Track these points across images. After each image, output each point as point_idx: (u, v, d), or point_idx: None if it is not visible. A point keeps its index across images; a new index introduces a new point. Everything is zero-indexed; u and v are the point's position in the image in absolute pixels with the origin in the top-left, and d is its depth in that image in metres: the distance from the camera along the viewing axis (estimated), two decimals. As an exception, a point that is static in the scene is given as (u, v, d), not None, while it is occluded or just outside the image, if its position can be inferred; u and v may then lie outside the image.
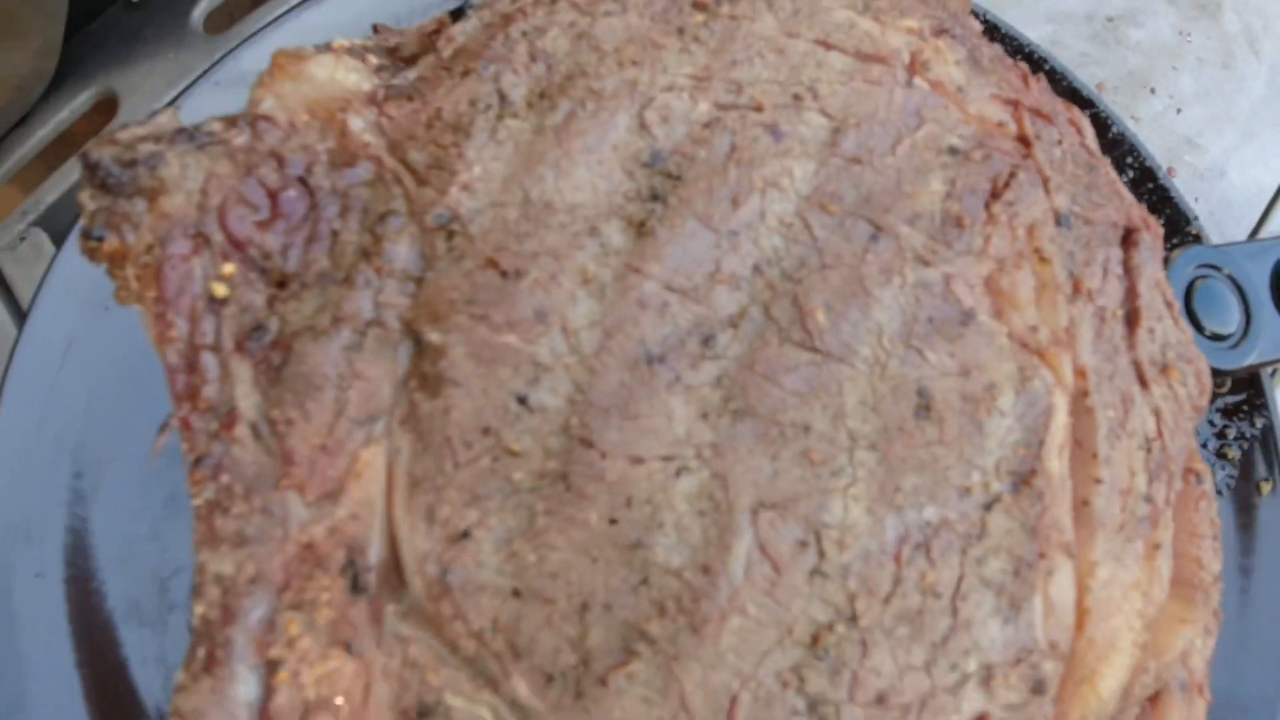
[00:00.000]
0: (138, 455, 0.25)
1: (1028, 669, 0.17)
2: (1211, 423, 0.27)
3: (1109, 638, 0.17)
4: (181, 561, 0.25)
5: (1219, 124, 0.32)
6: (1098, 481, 0.18)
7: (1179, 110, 0.32)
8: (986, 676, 0.16)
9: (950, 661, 0.16)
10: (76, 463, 0.25)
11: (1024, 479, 0.17)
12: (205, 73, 0.26)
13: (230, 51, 0.26)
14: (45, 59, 0.31)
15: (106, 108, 0.32)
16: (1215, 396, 0.27)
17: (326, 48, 0.21)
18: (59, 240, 0.31)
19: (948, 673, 0.16)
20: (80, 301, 0.26)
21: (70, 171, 0.31)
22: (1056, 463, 0.17)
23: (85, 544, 0.25)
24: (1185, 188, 0.31)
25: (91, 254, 0.18)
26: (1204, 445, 0.26)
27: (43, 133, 0.31)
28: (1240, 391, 0.26)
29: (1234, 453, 0.26)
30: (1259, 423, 0.26)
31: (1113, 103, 0.30)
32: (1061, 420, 0.18)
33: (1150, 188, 0.27)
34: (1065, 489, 0.17)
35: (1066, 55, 0.32)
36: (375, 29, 0.24)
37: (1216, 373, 0.23)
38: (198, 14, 0.32)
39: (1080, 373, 0.18)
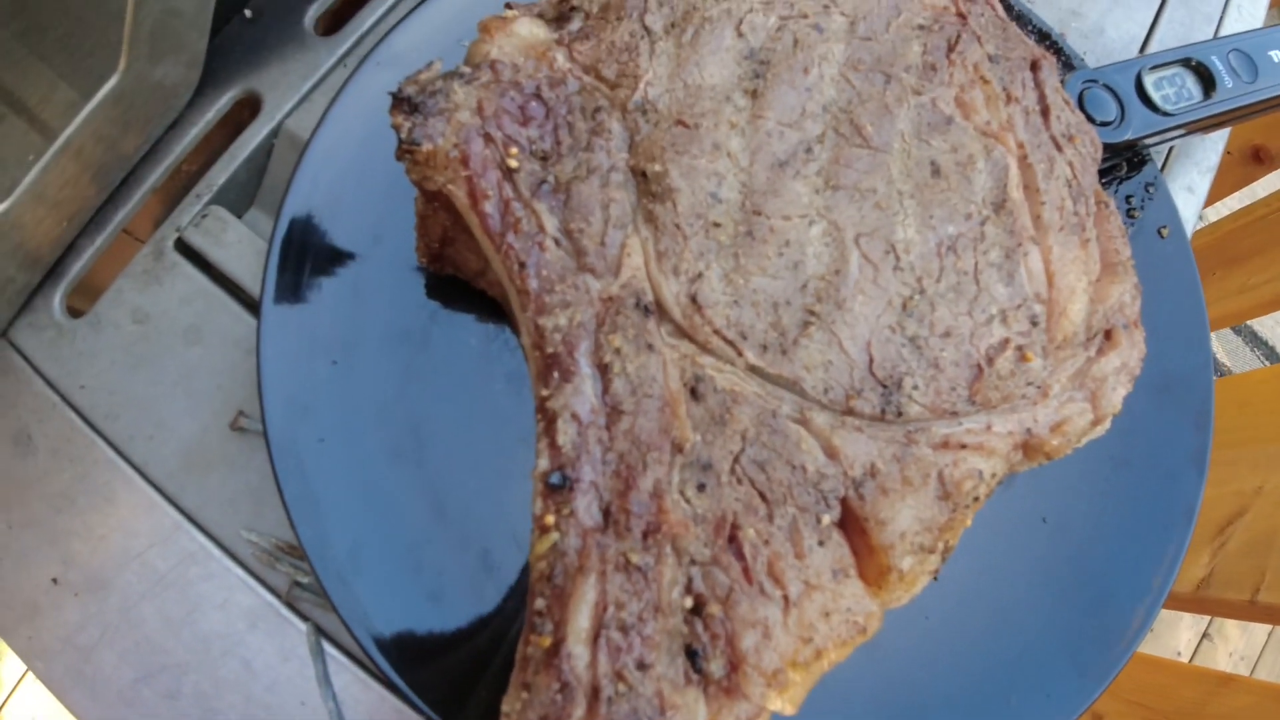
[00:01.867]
0: (374, 341, 0.39)
1: (1026, 309, 0.34)
2: (1125, 198, 0.45)
3: (1069, 287, 0.35)
4: (425, 413, 0.39)
5: (1093, -3, 0.52)
6: (1043, 203, 0.35)
7: (1062, -9, 0.51)
8: (1003, 317, 0.33)
9: (981, 308, 0.33)
10: (330, 354, 0.39)
11: (1000, 204, 0.34)
12: (368, 55, 0.41)
13: (383, 39, 0.41)
14: (193, 69, 0.44)
15: (247, 106, 0.46)
16: (1119, 180, 0.45)
17: (504, 17, 0.36)
18: (235, 210, 0.45)
19: (981, 315, 0.33)
20: (307, 241, 0.39)
21: (233, 159, 0.44)
22: (1016, 193, 0.35)
23: (351, 412, 0.38)
24: (1076, 45, 0.50)
25: (410, 157, 0.32)
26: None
27: (195, 131, 0.45)
28: (1134, 173, 0.45)
29: (1139, 213, 0.45)
30: (1151, 190, 0.45)
31: (1013, -10, 0.49)
32: (1014, 170, 0.35)
33: (1048, 44, 0.45)
34: (1024, 208, 0.35)
35: (976, -38, 0.50)
36: (508, 4, 0.39)
37: (1108, 145, 0.41)
38: (308, 20, 0.46)
39: (1019, 145, 0.36)
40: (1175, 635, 1.13)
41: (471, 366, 0.39)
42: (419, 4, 0.42)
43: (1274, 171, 0.83)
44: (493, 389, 0.39)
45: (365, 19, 0.46)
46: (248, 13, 0.46)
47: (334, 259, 0.40)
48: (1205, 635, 1.15)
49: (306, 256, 0.39)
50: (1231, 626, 1.16)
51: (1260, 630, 1.18)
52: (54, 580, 0.42)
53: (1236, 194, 0.92)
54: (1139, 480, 0.41)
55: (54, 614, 0.42)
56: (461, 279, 0.39)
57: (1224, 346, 1.32)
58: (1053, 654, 0.39)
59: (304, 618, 0.40)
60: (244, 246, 0.43)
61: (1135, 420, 0.41)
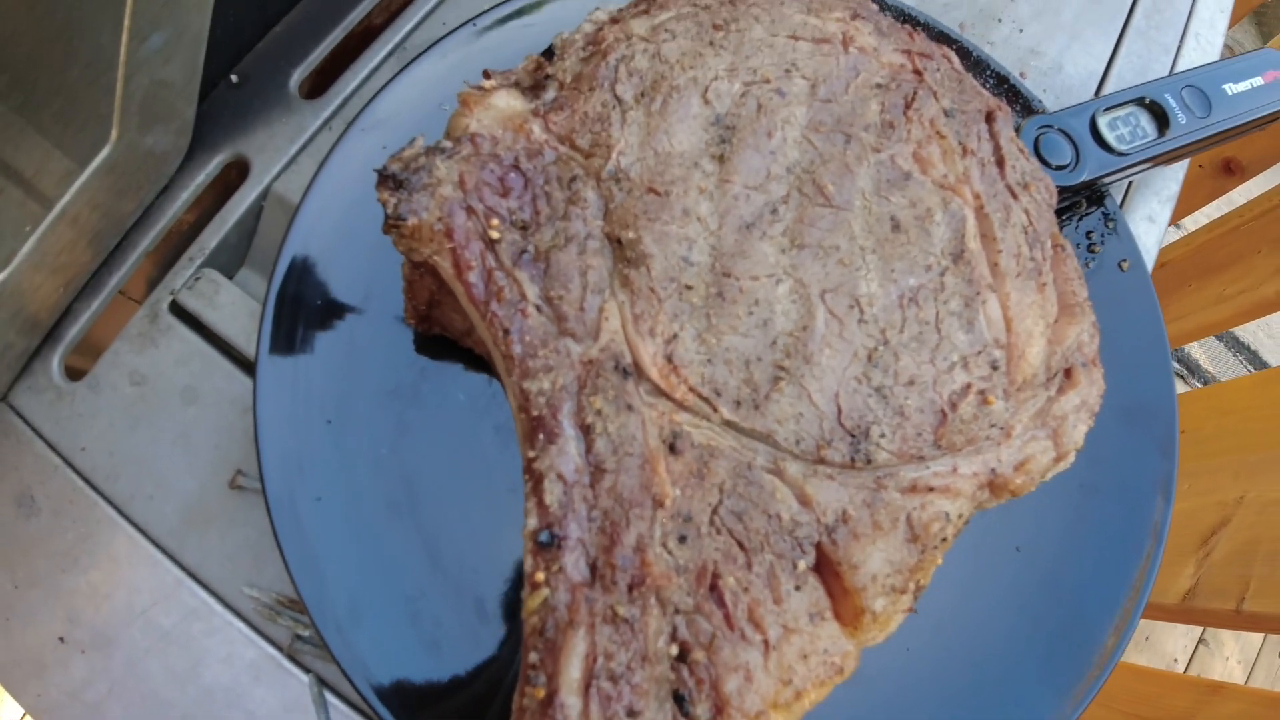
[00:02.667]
0: (367, 399, 0.41)
1: (986, 355, 0.36)
2: (1085, 234, 0.48)
3: (1027, 331, 0.37)
4: (418, 467, 0.41)
5: (1051, 33, 0.54)
6: (999, 252, 0.38)
7: (1021, 30, 0.54)
8: (965, 363, 0.36)
9: (943, 356, 0.35)
10: (324, 413, 0.41)
11: (958, 255, 0.37)
12: (354, 121, 0.43)
13: (367, 105, 0.43)
14: (182, 136, 0.47)
15: (235, 169, 0.48)
16: (1080, 216, 0.48)
17: (482, 87, 0.38)
18: (226, 271, 0.47)
19: (943, 363, 0.35)
20: (300, 304, 0.41)
21: (224, 222, 0.47)
22: (974, 243, 0.37)
23: (346, 469, 0.40)
24: (1036, 84, 0.53)
25: (396, 231, 0.35)
26: (1078, 245, 0.47)
27: (185, 195, 0.47)
28: (1094, 208, 0.47)
29: (1100, 248, 0.47)
30: (1111, 225, 0.47)
31: (971, 35, 0.52)
32: (971, 221, 0.37)
33: (1006, 87, 0.48)
34: (982, 257, 0.37)
35: (932, 7, 0.53)
36: (486, 74, 0.41)
37: (1064, 189, 0.44)
38: (293, 84, 0.49)
39: (976, 196, 0.38)
40: (1172, 641, 1.16)
41: (461, 420, 0.41)
42: (400, 70, 0.44)
43: (1245, 182, 0.86)
44: (482, 441, 0.41)
45: (349, 81, 0.49)
46: (234, 78, 0.48)
47: (326, 320, 0.42)
48: (1201, 640, 1.17)
49: (299, 317, 0.41)
50: (1226, 631, 1.19)
51: (1255, 634, 1.20)
52: (60, 638, 0.44)
53: (1212, 203, 0.95)
54: (1108, 506, 0.43)
55: (61, 671, 0.44)
56: (449, 338, 0.41)
57: (1206, 353, 1.35)
58: (1030, 679, 0.41)
59: (306, 669, 0.42)
60: (236, 308, 0.45)
61: (1103, 449, 0.44)
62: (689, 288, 0.34)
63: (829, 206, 0.36)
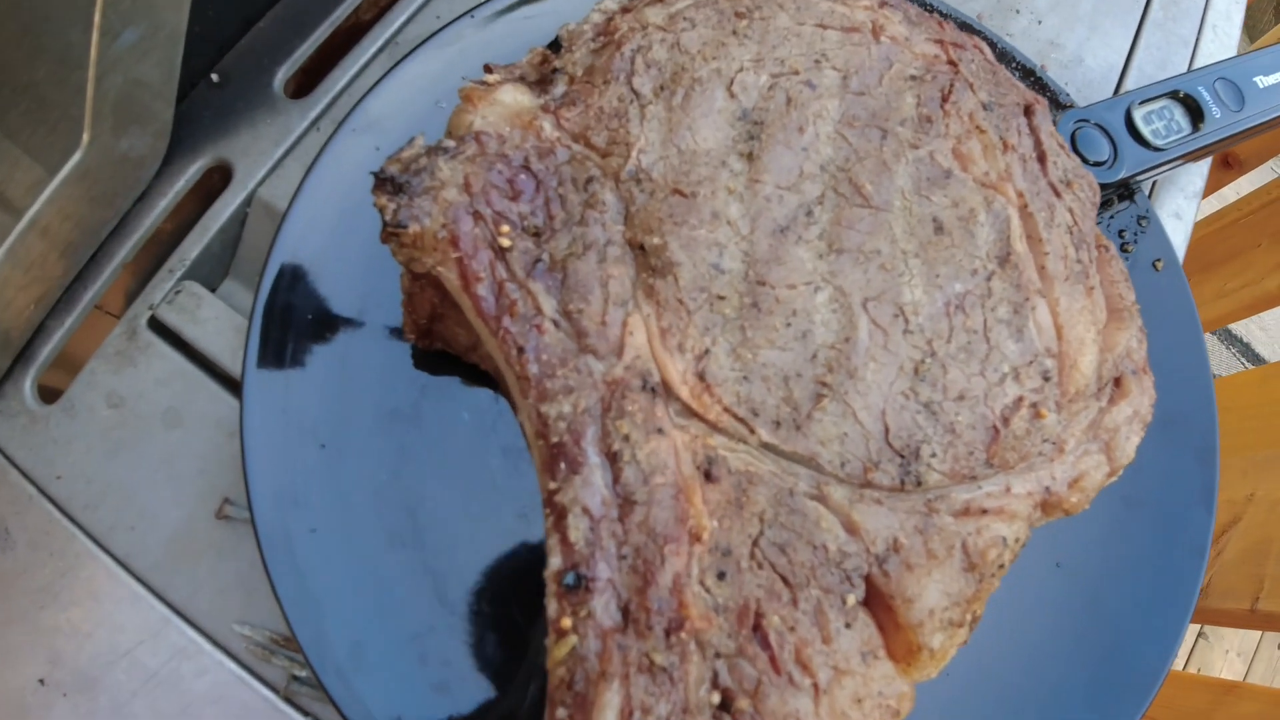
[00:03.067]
0: (364, 422, 0.37)
1: (1038, 365, 0.33)
2: (1118, 233, 0.45)
3: (1079, 339, 0.34)
4: (422, 493, 0.37)
5: (1070, 24, 0.51)
6: (1046, 254, 0.34)
7: (1040, 22, 0.51)
8: (1016, 374, 0.32)
9: (993, 367, 0.32)
10: (318, 438, 0.37)
11: (1004, 258, 0.33)
12: (344, 121, 0.39)
13: (358, 104, 0.39)
14: (160, 139, 0.42)
15: (218, 174, 0.44)
16: (1112, 214, 0.45)
17: (487, 82, 0.35)
18: (209, 283, 0.43)
19: (994, 374, 0.32)
20: (288, 320, 0.38)
21: (205, 231, 0.42)
22: (1020, 245, 0.34)
23: (342, 498, 0.36)
24: (1057, 76, 0.50)
25: (396, 239, 0.31)
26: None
27: (164, 203, 0.43)
28: (1124, 203, 0.44)
29: (1132, 247, 0.44)
30: (1144, 224, 0.44)
31: (990, 26, 0.48)
32: (1016, 221, 0.34)
33: (1031, 81, 0.45)
34: (1029, 260, 0.34)
35: (954, -1, 0.50)
36: (488, 68, 0.38)
37: (1104, 186, 0.41)
38: (277, 83, 0.45)
39: (1019, 194, 0.35)
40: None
41: (466, 442, 0.38)
42: (393, 66, 0.40)
43: (1243, 175, 0.83)
44: (489, 464, 0.37)
45: (337, 79, 0.45)
46: (214, 77, 0.44)
47: (317, 336, 0.38)
48: (1201, 634, 1.16)
49: (288, 335, 0.37)
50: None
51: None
52: (41, 681, 0.40)
53: (1210, 197, 0.93)
54: (1149, 521, 0.41)
55: (43, 715, 0.40)
56: (452, 353, 0.38)
57: (1202, 347, 1.34)
58: (1075, 703, 0.38)
59: (304, 712, 0.38)
60: (220, 322, 0.41)
61: (1143, 458, 0.41)
62: (721, 298, 0.30)
63: (868, 207, 0.33)
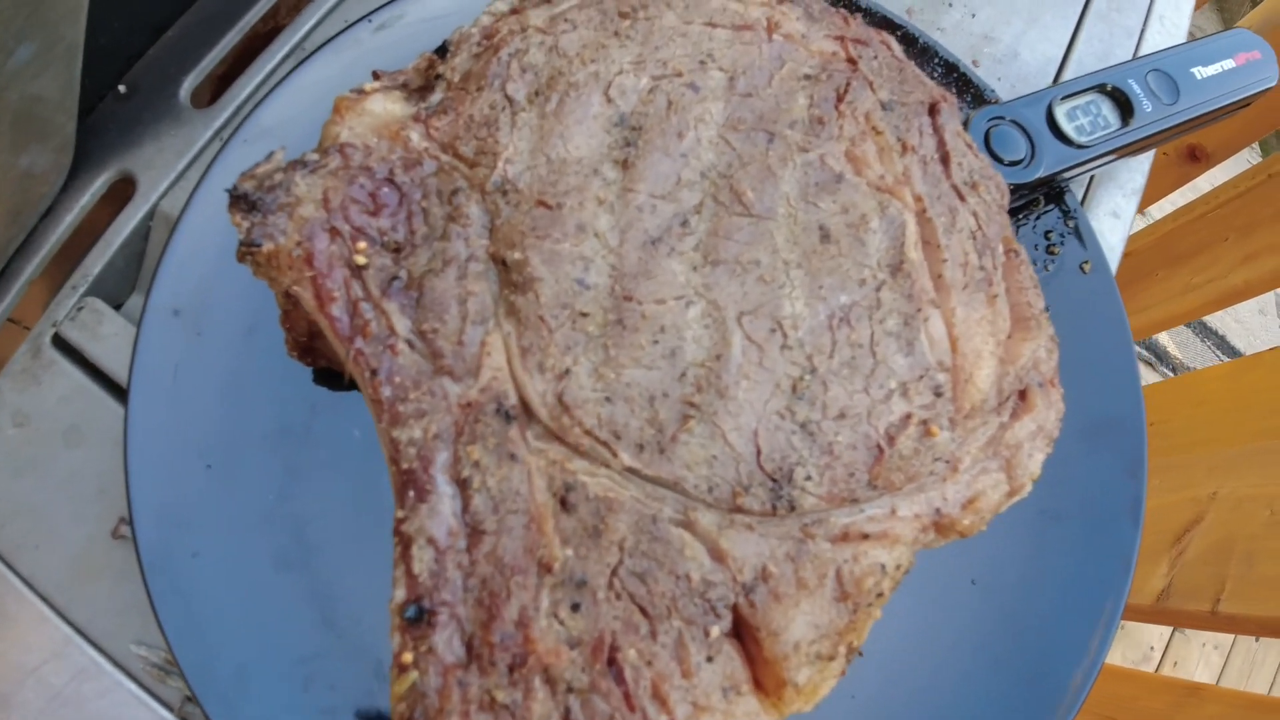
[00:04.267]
0: (252, 440, 0.35)
1: (929, 380, 0.30)
2: (1044, 234, 0.42)
3: (975, 352, 0.31)
4: (310, 514, 0.35)
5: (1006, 17, 0.48)
6: (944, 261, 0.32)
7: (973, 15, 0.48)
8: (904, 390, 0.30)
9: (879, 384, 0.29)
10: (204, 457, 0.35)
11: (897, 267, 0.31)
12: (235, 132, 0.37)
13: (251, 114, 0.37)
14: (63, 154, 0.41)
15: (122, 188, 0.42)
16: (1038, 215, 0.42)
17: (362, 91, 0.32)
18: (115, 299, 0.41)
19: (879, 391, 0.29)
20: (175, 335, 0.36)
21: (108, 245, 0.41)
22: (915, 253, 0.31)
23: (228, 519, 0.35)
24: (990, 72, 0.47)
25: (250, 258, 0.29)
26: (1035, 247, 0.41)
27: (69, 218, 0.41)
28: (1052, 206, 0.41)
29: (1059, 249, 0.41)
30: (1071, 223, 0.41)
31: (920, 21, 0.45)
32: (912, 227, 0.31)
33: (956, 76, 0.42)
34: (923, 268, 0.31)
35: (881, -7, 0.47)
36: (376, 74, 0.35)
37: (1018, 187, 0.38)
38: (183, 93, 0.43)
39: (918, 199, 0.32)
40: (1148, 628, 1.10)
41: (357, 461, 0.36)
42: (289, 73, 0.38)
43: (1211, 169, 0.79)
44: (381, 484, 0.35)
45: (243, 87, 0.42)
46: (122, 88, 0.42)
47: (205, 353, 0.36)
48: (1177, 628, 1.12)
49: (176, 349, 0.35)
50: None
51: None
52: (-52, 699, 0.39)
53: (1178, 191, 0.89)
54: (1072, 534, 0.38)
55: (-48, 733, 0.38)
56: (337, 370, 0.35)
57: (1174, 339, 1.29)
58: (990, 726, 0.35)
59: (200, 733, 0.37)
60: (121, 339, 0.39)
61: (1065, 470, 0.38)
62: (584, 315, 0.28)
63: (748, 215, 0.30)
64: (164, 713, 0.37)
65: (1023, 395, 0.32)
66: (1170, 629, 1.10)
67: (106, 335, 0.40)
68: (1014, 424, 0.31)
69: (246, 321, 0.36)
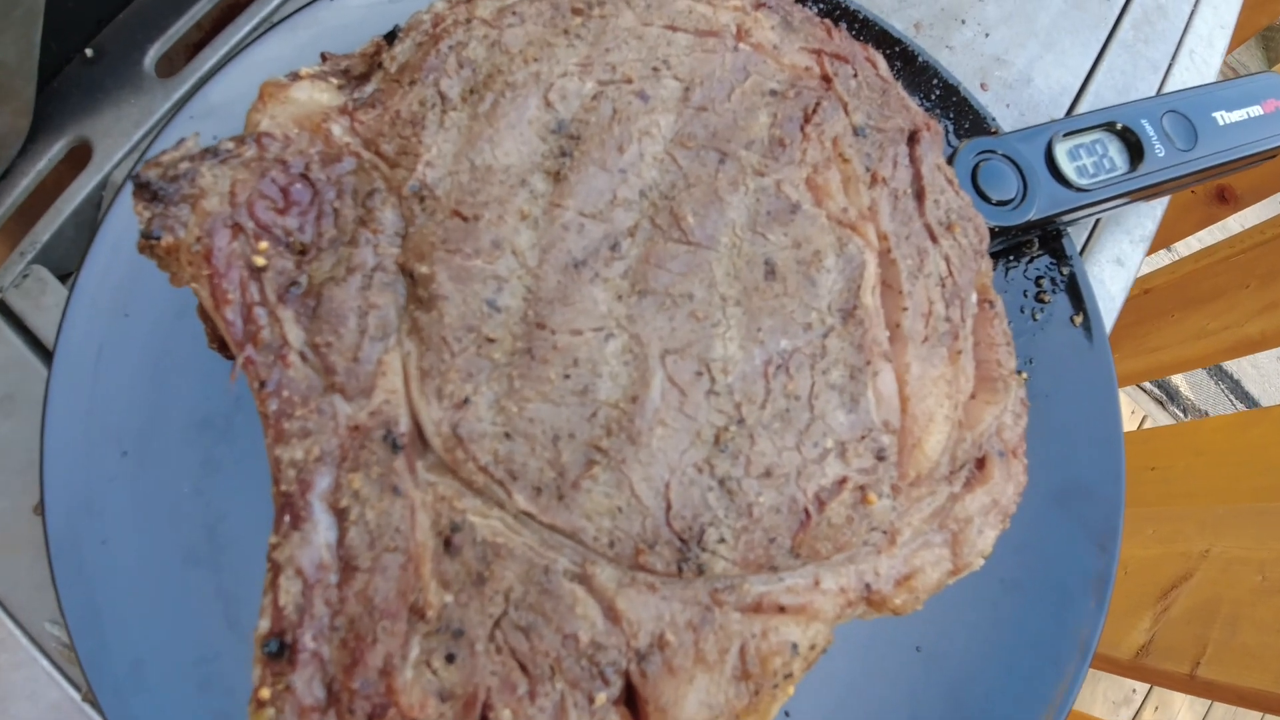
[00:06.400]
0: (172, 429, 0.33)
1: (871, 442, 0.26)
2: (1034, 280, 0.37)
3: (927, 414, 0.27)
4: (224, 510, 0.33)
5: (1022, 40, 0.43)
6: (904, 309, 0.28)
7: (987, 35, 0.43)
8: (841, 450, 0.26)
9: (813, 442, 0.26)
10: (121, 443, 0.32)
11: (849, 312, 0.27)
12: (181, 108, 0.34)
13: (199, 89, 0.34)
14: (22, 117, 0.38)
15: (80, 154, 0.39)
16: (1030, 259, 0.37)
17: (296, 76, 0.29)
18: (58, 273, 0.39)
19: (812, 450, 0.26)
20: (103, 313, 0.33)
21: (59, 213, 0.38)
22: (870, 298, 0.27)
23: (140, 509, 0.32)
24: (998, 97, 0.42)
25: (150, 251, 0.26)
26: (1024, 294, 0.36)
27: (25, 182, 0.39)
28: (1045, 250, 0.37)
29: (1049, 297, 0.36)
30: (1065, 271, 0.37)
31: (929, 37, 0.41)
32: (871, 269, 0.27)
33: (955, 100, 0.37)
34: (879, 316, 0.27)
35: (884, 3, 0.42)
36: (323, 56, 0.32)
37: (1005, 230, 0.33)
38: (149, 61, 0.40)
39: (883, 236, 0.28)
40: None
41: (275, 461, 0.33)
42: (242, 49, 0.35)
43: (1240, 211, 0.73)
44: (298, 487, 0.33)
45: (207, 58, 0.39)
46: (89, 52, 0.40)
47: (131, 334, 0.33)
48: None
49: (100, 330, 0.33)
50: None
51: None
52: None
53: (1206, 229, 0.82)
54: (1028, 606, 0.34)
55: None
56: (259, 367, 0.32)
57: (1187, 379, 1.21)
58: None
59: (105, 718, 0.35)
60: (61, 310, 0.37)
61: (1031, 536, 0.34)
62: (491, 340, 0.25)
63: (685, 243, 0.26)
64: (72, 693, 0.35)
65: (980, 464, 0.28)
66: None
67: (49, 306, 0.37)
68: (966, 496, 0.27)
69: (176, 305, 0.33)
